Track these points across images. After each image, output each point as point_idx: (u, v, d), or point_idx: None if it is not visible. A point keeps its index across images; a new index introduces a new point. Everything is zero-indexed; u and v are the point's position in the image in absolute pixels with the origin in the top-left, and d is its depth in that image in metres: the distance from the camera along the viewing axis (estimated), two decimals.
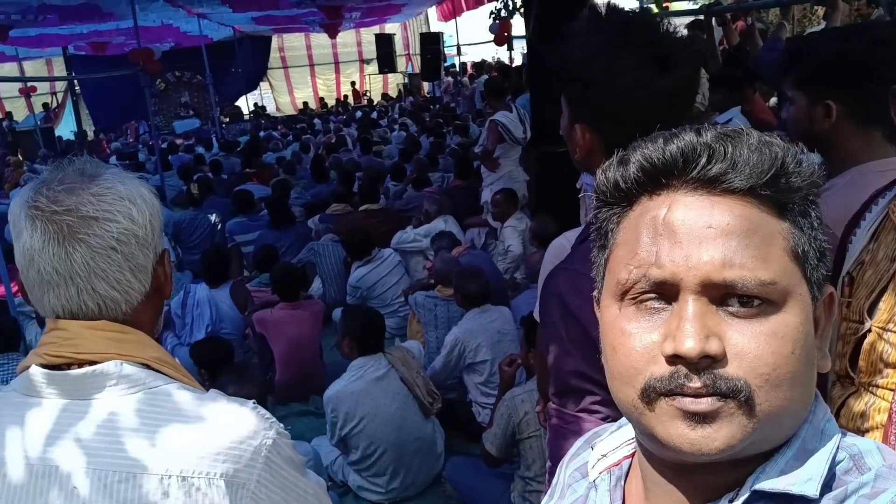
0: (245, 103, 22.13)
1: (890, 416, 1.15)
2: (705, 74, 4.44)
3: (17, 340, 3.48)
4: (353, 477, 3.50)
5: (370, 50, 20.50)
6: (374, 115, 17.48)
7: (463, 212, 6.41)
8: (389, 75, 21.91)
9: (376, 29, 20.78)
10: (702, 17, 6.02)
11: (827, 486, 0.63)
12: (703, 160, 0.63)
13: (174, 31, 15.59)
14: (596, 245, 0.73)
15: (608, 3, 1.27)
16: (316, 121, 17.49)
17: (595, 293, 0.74)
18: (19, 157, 15.33)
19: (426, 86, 20.54)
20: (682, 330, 0.60)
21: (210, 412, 1.01)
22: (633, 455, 0.77)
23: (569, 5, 4.05)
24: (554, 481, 0.89)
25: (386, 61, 18.48)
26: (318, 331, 4.61)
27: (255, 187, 8.21)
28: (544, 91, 5.31)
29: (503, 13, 11.30)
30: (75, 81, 18.76)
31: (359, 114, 18.07)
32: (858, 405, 1.20)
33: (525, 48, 10.32)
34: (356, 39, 22.76)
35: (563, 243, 1.46)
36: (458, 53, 18.29)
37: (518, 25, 11.65)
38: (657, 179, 0.66)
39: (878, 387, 1.18)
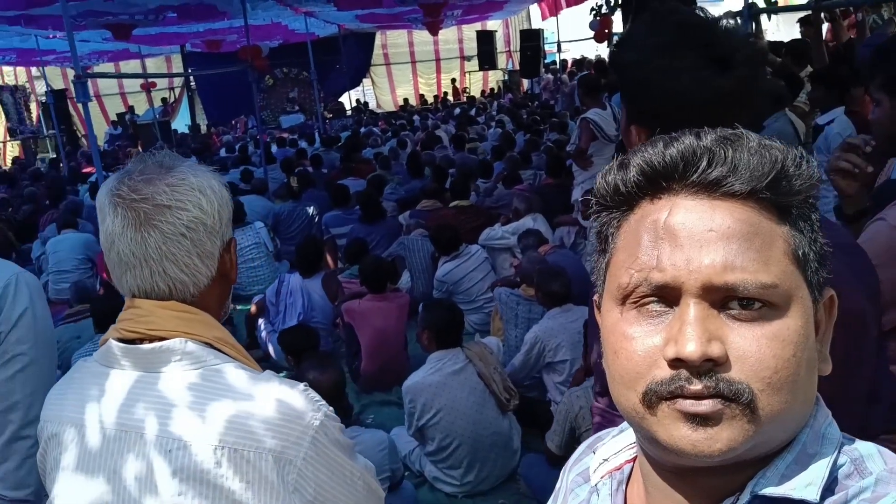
0: (348, 99, 22.69)
1: None
2: (807, 72, 4.25)
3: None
4: (430, 468, 3.57)
5: (471, 47, 20.58)
6: (473, 111, 17.56)
7: (554, 210, 6.37)
8: (490, 72, 21.95)
9: (478, 26, 20.84)
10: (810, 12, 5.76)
11: (828, 490, 0.62)
12: (704, 164, 0.64)
13: (282, 29, 16.16)
14: (597, 249, 0.74)
15: (668, 4, 1.27)
16: (415, 117, 17.73)
17: (596, 297, 0.74)
18: (139, 148, 16.35)
19: (525, 83, 20.45)
20: (683, 334, 0.61)
21: (262, 391, 1.08)
22: (634, 459, 0.77)
23: None
24: (557, 486, 0.90)
25: (486, 58, 18.52)
26: (404, 323, 4.71)
27: (352, 182, 8.44)
28: None
29: (604, 9, 11.10)
30: (191, 77, 19.74)
31: (457, 111, 18.18)
32: None
33: None
34: (458, 36, 22.91)
35: None
36: (559, 50, 18.10)
37: (618, 22, 11.43)
38: (658, 183, 0.66)
39: None
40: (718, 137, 0.65)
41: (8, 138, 18.90)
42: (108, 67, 19.59)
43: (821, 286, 0.67)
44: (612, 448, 0.80)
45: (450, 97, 22.43)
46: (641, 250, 0.65)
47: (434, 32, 17.17)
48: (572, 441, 2.87)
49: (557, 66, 18.24)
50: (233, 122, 20.11)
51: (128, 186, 1.10)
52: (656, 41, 1.14)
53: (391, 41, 23.21)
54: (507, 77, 22.36)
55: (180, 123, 21.37)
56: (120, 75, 21.10)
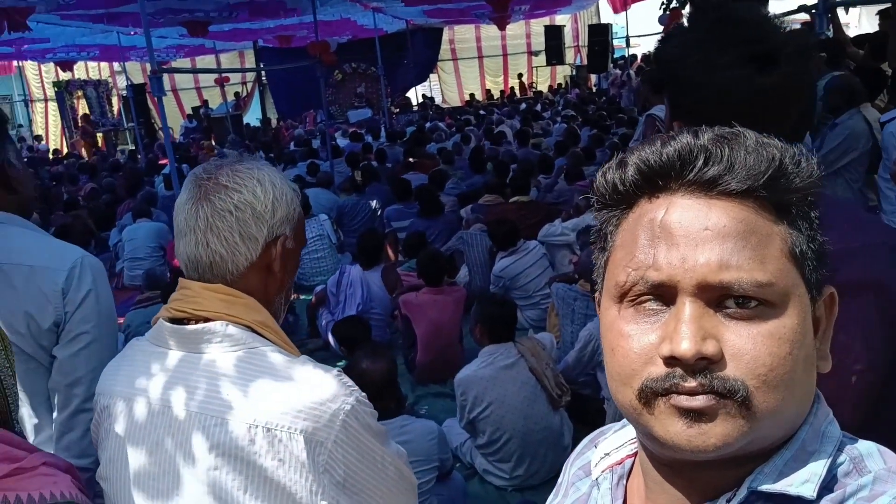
0: (414, 95, 22.85)
1: None
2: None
3: None
4: (480, 460, 3.61)
5: (539, 42, 20.45)
6: (539, 107, 17.45)
7: None
8: (557, 67, 21.76)
9: (546, 20, 20.68)
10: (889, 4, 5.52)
11: (827, 488, 0.63)
12: (700, 162, 0.64)
13: (351, 25, 16.39)
14: (596, 247, 0.74)
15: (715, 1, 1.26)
16: (481, 112, 17.74)
17: (596, 294, 0.75)
18: (212, 141, 16.87)
19: (593, 78, 20.20)
20: (678, 332, 0.61)
21: (296, 374, 1.13)
22: (635, 454, 0.78)
23: None
24: (560, 479, 0.91)
25: (554, 53, 18.36)
26: (460, 316, 4.74)
27: (414, 176, 8.52)
28: None
29: (673, 3, 10.89)
30: (262, 72, 20.23)
31: (523, 106, 18.10)
32: None
33: None
34: (525, 31, 22.79)
35: None
36: (627, 45, 17.81)
37: None
38: (655, 182, 0.67)
39: None
40: (715, 136, 0.65)
41: (77, 130, 19.73)
42: (184, 62, 20.28)
43: (820, 284, 0.67)
44: (614, 443, 0.81)
45: (516, 92, 22.35)
46: (639, 249, 0.66)
47: (502, 27, 17.16)
48: None
49: (625, 62, 17.96)
50: (302, 115, 20.52)
51: (204, 169, 1.22)
52: (695, 37, 1.14)
53: (458, 36, 23.26)
54: (574, 72, 22.14)
55: (252, 117, 21.96)
56: (193, 70, 21.82)
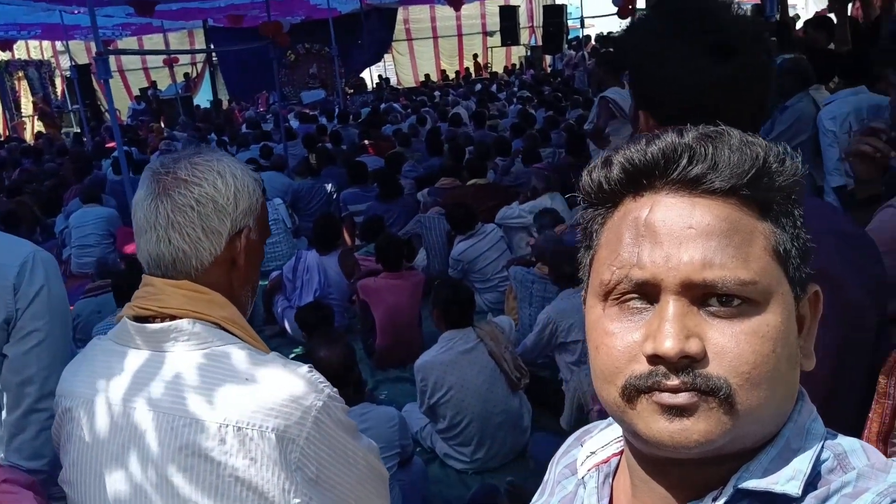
0: (369, 75, 22.61)
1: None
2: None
3: None
4: (440, 444, 3.62)
5: (494, 22, 20.42)
6: (494, 87, 17.43)
7: (572, 189, 6.32)
8: (512, 48, 21.76)
9: (501, 1, 20.64)
10: None
11: (811, 485, 0.63)
12: (684, 161, 0.64)
13: (304, 5, 16.13)
14: (581, 245, 0.74)
15: None
16: (436, 93, 17.65)
17: (582, 293, 0.75)
18: (161, 123, 16.47)
19: (548, 59, 20.24)
20: (662, 330, 0.62)
21: (267, 372, 1.11)
22: (622, 453, 0.78)
23: None
24: (545, 477, 0.91)
25: (509, 33, 18.36)
26: (418, 301, 4.74)
27: (370, 159, 8.45)
28: None
29: None
30: (213, 52, 19.78)
31: (478, 86, 18.07)
32: None
33: None
34: (480, 11, 22.71)
35: None
36: (582, 26, 17.90)
37: None
38: (639, 181, 0.67)
39: None
40: (700, 135, 0.65)
41: (34, 113, 19.11)
42: (131, 42, 19.71)
43: (804, 282, 0.68)
44: (600, 441, 0.81)
45: (472, 73, 22.29)
46: (623, 247, 0.66)
47: (457, 7, 17.04)
48: (581, 419, 2.90)
49: (580, 43, 18.04)
50: (255, 97, 20.16)
51: (160, 163, 1.19)
52: (651, 27, 1.14)
53: (413, 16, 23.07)
54: (529, 53, 22.16)
55: (202, 99, 21.45)
56: (141, 52, 21.22)
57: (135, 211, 1.18)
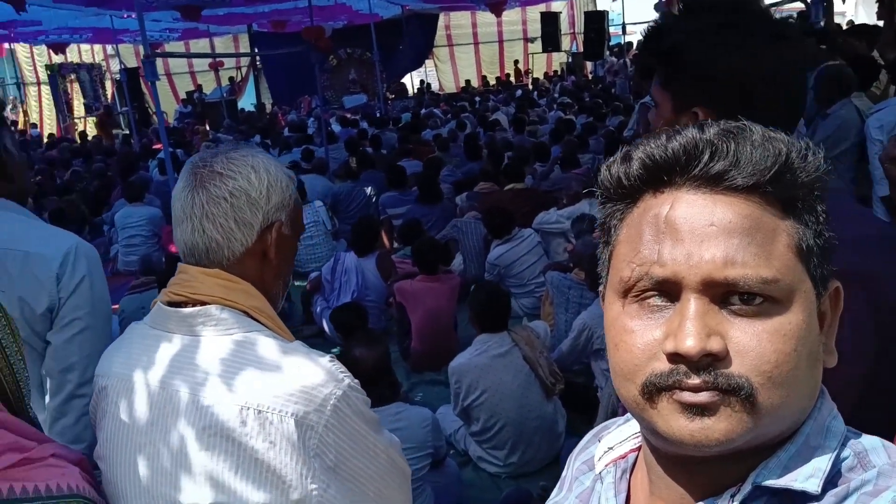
0: (410, 81, 22.74)
1: None
2: None
3: None
4: (474, 447, 3.62)
5: (535, 28, 20.34)
6: (535, 94, 17.39)
7: None
8: (553, 54, 21.68)
9: (542, 7, 20.58)
10: None
11: (831, 483, 0.62)
12: (706, 157, 0.63)
13: (347, 10, 16.28)
14: (600, 241, 0.74)
15: None
16: (476, 99, 17.68)
17: (600, 288, 0.74)
18: (206, 126, 16.79)
19: (589, 65, 20.13)
20: (683, 329, 0.61)
21: (289, 359, 1.14)
22: (639, 448, 0.77)
23: None
24: (563, 473, 0.91)
25: (550, 40, 18.24)
26: (454, 304, 4.75)
27: (409, 163, 8.51)
28: None
29: None
30: (257, 57, 20.10)
31: (519, 92, 18.05)
32: None
33: None
34: (521, 17, 22.68)
35: None
36: (624, 32, 17.74)
37: None
38: (659, 177, 0.66)
39: None
40: (721, 130, 0.64)
41: (97, 122, 19.59)
42: (178, 46, 20.11)
43: (825, 279, 0.67)
44: (618, 437, 0.81)
45: (512, 79, 22.27)
46: (643, 244, 0.65)
47: (498, 14, 17.05)
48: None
49: (622, 49, 17.91)
50: (297, 101, 20.42)
51: (200, 157, 1.24)
52: (709, 22, 1.15)
53: (454, 22, 23.14)
54: (570, 59, 22.06)
55: (246, 102, 21.83)
56: (187, 55, 21.65)
57: (174, 202, 1.22)
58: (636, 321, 0.65)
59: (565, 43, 21.03)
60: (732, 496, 0.64)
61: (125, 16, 13.28)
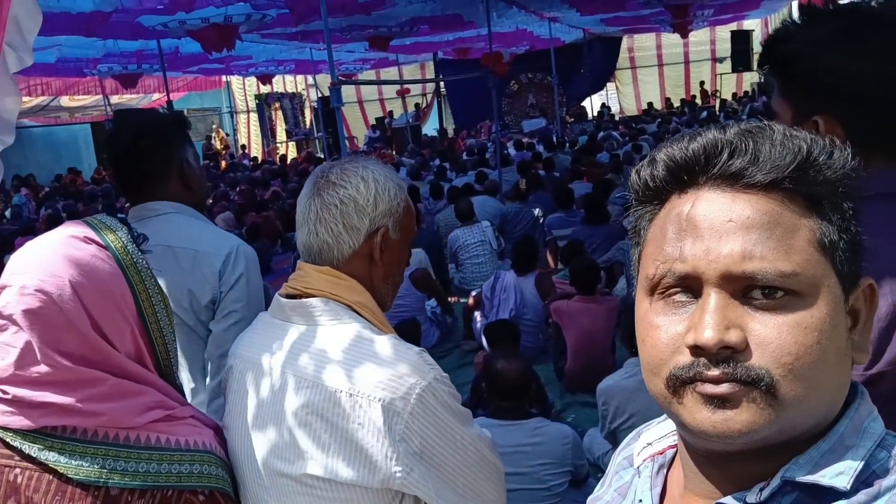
0: (590, 104, 22.59)
1: None
2: None
3: None
4: None
5: (724, 48, 19.51)
6: (722, 116, 16.63)
7: None
8: (744, 74, 20.64)
9: (733, 25, 19.70)
10: None
11: (865, 483, 0.62)
12: (725, 156, 0.65)
13: (528, 35, 16.52)
14: (632, 242, 0.77)
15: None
16: (657, 121, 17.22)
17: (632, 291, 0.77)
18: (392, 150, 17.71)
19: None
20: (702, 322, 0.63)
21: (381, 349, 1.24)
22: (677, 445, 0.79)
23: None
24: (606, 471, 0.94)
25: (741, 59, 17.41)
26: (612, 326, 4.68)
27: (580, 185, 8.48)
28: None
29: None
30: (441, 83, 20.89)
31: (704, 114, 17.34)
32: None
33: None
34: (710, 37, 21.80)
35: None
36: None
37: None
38: (682, 177, 0.69)
39: None
40: (741, 130, 0.67)
41: (299, 154, 21.40)
42: (370, 75, 21.41)
43: (855, 275, 0.66)
44: (657, 433, 0.83)
45: (698, 100, 21.43)
46: (667, 242, 0.68)
47: (684, 34, 16.51)
48: None
49: None
50: (478, 126, 20.95)
51: (321, 169, 1.40)
52: (833, 26, 1.14)
53: (638, 44, 22.71)
54: (762, 79, 20.84)
55: (430, 128, 22.73)
56: (370, 82, 22.97)
57: (297, 208, 1.39)
58: (661, 317, 0.68)
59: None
60: (761, 489, 0.65)
61: (322, 48, 14.40)
